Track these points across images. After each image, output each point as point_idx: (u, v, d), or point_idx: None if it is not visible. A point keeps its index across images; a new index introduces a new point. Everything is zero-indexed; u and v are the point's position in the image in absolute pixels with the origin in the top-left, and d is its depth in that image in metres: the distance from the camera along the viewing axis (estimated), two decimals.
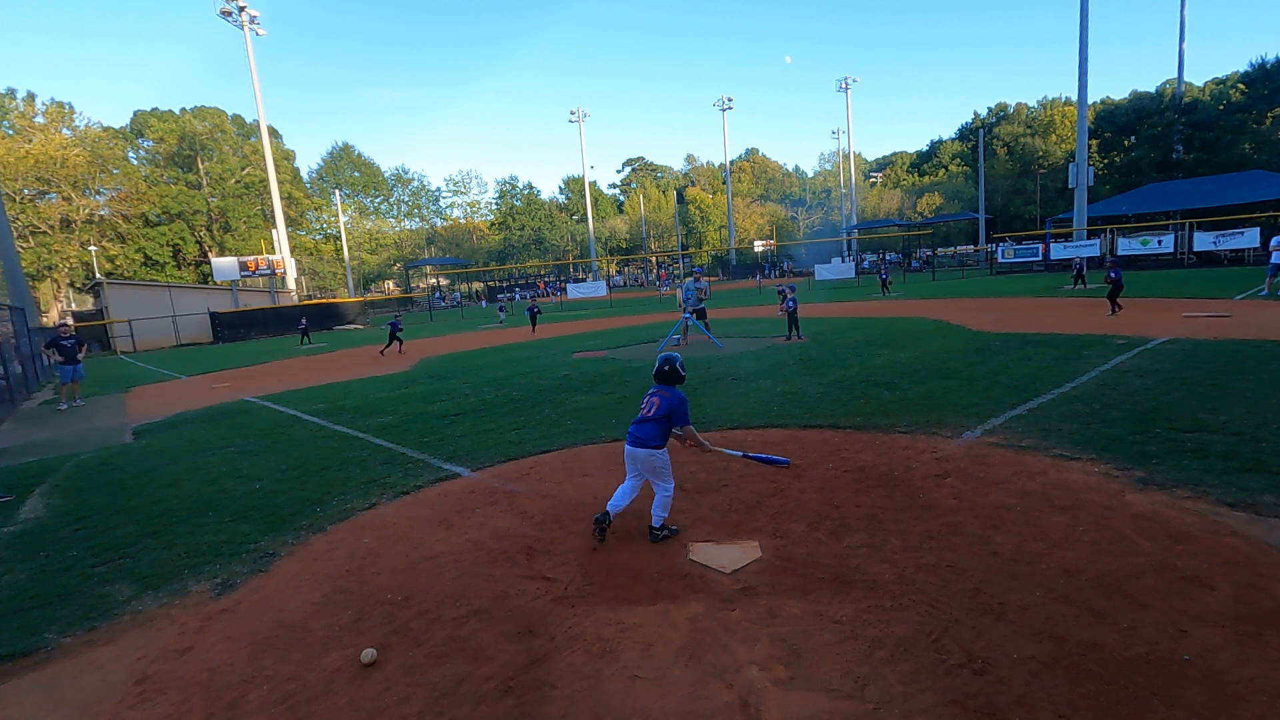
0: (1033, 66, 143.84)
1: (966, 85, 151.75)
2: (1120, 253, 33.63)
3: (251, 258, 45.16)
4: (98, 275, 50.78)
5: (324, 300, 53.46)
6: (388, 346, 19.44)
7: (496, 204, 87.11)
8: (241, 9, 44.45)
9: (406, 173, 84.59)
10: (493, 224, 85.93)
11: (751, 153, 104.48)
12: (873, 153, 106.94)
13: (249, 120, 66.85)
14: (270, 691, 2.97)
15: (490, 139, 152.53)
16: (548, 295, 62.92)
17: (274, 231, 48.93)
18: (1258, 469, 4.63)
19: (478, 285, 75.50)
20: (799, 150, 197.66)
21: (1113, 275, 14.26)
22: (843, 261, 46.95)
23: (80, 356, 14.16)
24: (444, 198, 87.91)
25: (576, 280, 67.67)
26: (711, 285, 23.03)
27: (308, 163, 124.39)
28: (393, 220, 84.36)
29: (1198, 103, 55.77)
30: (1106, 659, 2.71)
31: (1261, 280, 18.45)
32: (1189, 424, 5.80)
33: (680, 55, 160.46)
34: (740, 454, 4.80)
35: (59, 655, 3.47)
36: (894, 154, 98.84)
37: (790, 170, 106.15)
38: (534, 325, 24.26)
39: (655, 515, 4.28)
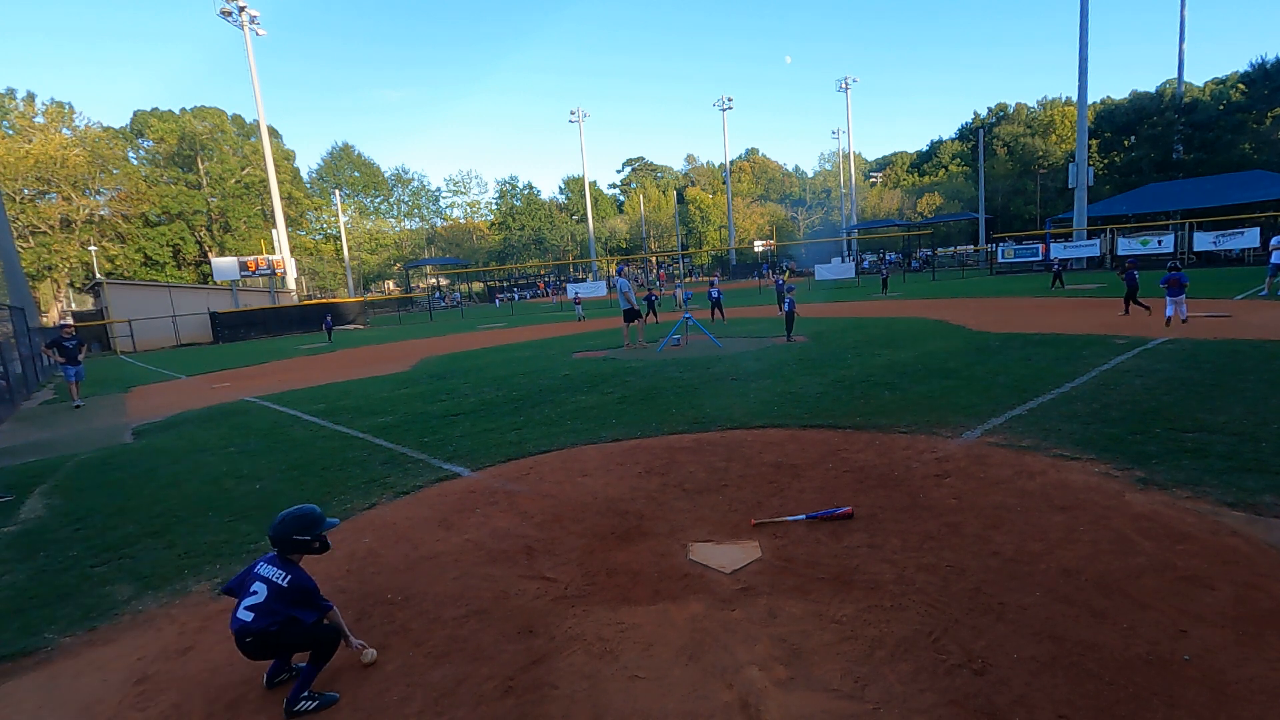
0: (1033, 66, 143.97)
1: (966, 85, 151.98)
2: (1120, 253, 33.70)
3: (251, 258, 45.14)
4: (98, 275, 50.78)
5: (325, 300, 53.45)
6: (650, 315, 21.91)
7: (496, 204, 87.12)
8: (241, 9, 44.44)
9: (406, 173, 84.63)
10: (493, 224, 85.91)
11: (751, 153, 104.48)
12: (873, 153, 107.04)
13: (249, 120, 66.89)
14: (270, 691, 2.97)
15: (490, 139, 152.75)
16: (548, 295, 62.94)
17: (274, 231, 48.92)
18: (1258, 469, 4.63)
19: (478, 285, 75.51)
20: (799, 150, 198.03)
21: (1126, 278, 13.93)
22: (843, 261, 46.93)
23: (81, 357, 14.17)
24: (444, 198, 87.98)
25: (577, 280, 67.66)
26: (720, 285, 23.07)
27: (308, 163, 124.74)
28: (393, 220, 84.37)
29: (1198, 103, 55.77)
30: (1106, 659, 2.71)
31: (1261, 280, 18.46)
32: (1189, 424, 5.80)
33: (680, 55, 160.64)
34: (804, 516, 4.41)
35: (59, 655, 3.47)
36: (894, 154, 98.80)
37: (790, 170, 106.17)
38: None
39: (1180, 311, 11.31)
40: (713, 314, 20.62)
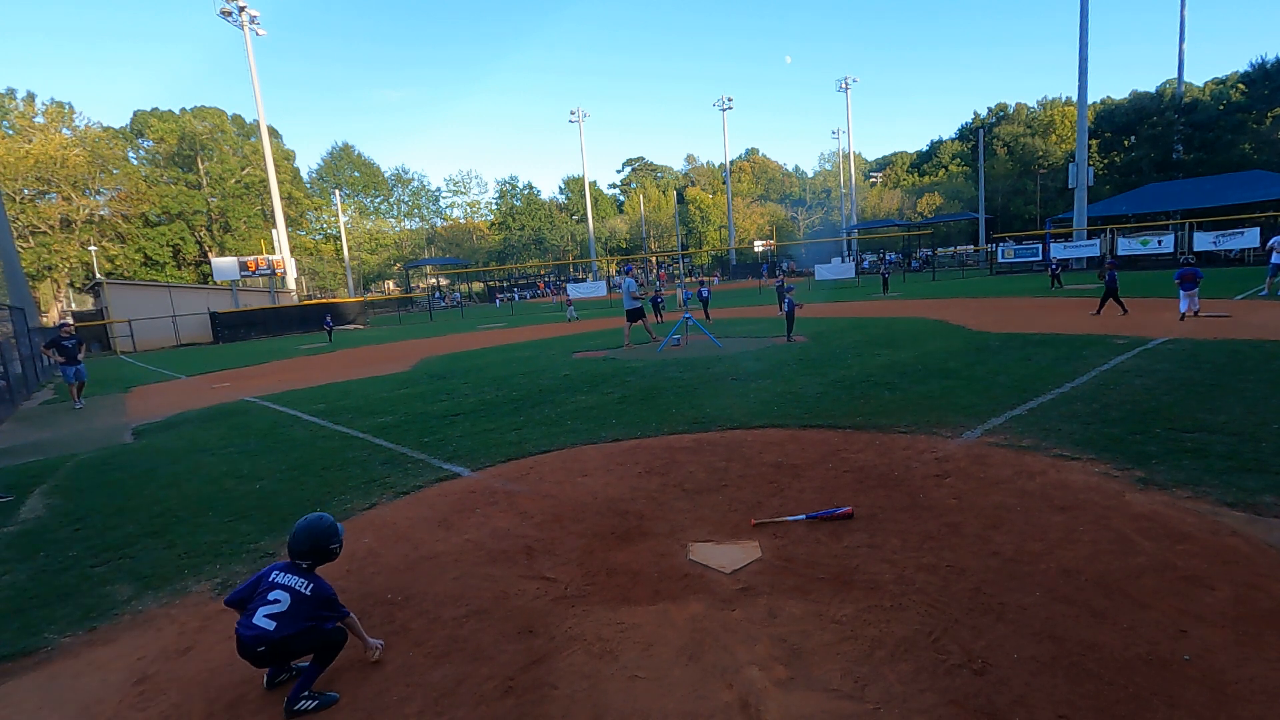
0: (1033, 66, 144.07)
1: (966, 85, 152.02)
2: (1120, 253, 33.69)
3: (251, 258, 45.13)
4: (98, 275, 50.78)
5: (325, 300, 53.46)
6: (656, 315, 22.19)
7: (496, 204, 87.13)
8: (241, 9, 44.45)
9: (406, 173, 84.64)
10: (493, 224, 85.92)
11: (751, 153, 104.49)
12: (873, 153, 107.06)
13: (249, 120, 66.89)
14: (270, 692, 2.97)
15: (490, 139, 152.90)
16: (548, 295, 62.96)
17: (274, 231, 48.93)
18: (1258, 469, 4.63)
19: (478, 285, 75.51)
20: (799, 150, 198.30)
21: (1107, 278, 14.35)
22: (843, 261, 46.94)
23: (81, 357, 14.08)
24: (444, 198, 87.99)
25: (576, 280, 67.66)
26: (713, 287, 23.50)
27: (308, 163, 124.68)
28: (393, 220, 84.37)
29: (1198, 103, 55.79)
30: (1106, 659, 2.71)
31: (1261, 280, 18.46)
32: (1189, 424, 5.80)
33: (680, 55, 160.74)
34: (804, 516, 4.40)
35: (59, 655, 3.47)
36: (894, 154, 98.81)
37: (790, 170, 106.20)
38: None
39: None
40: (706, 313, 21.07)
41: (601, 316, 29.09)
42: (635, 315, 14.91)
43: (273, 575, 2.97)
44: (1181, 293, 12.45)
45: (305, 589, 2.91)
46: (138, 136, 63.82)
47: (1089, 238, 37.27)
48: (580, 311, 31.18)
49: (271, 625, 2.82)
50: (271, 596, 2.88)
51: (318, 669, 2.91)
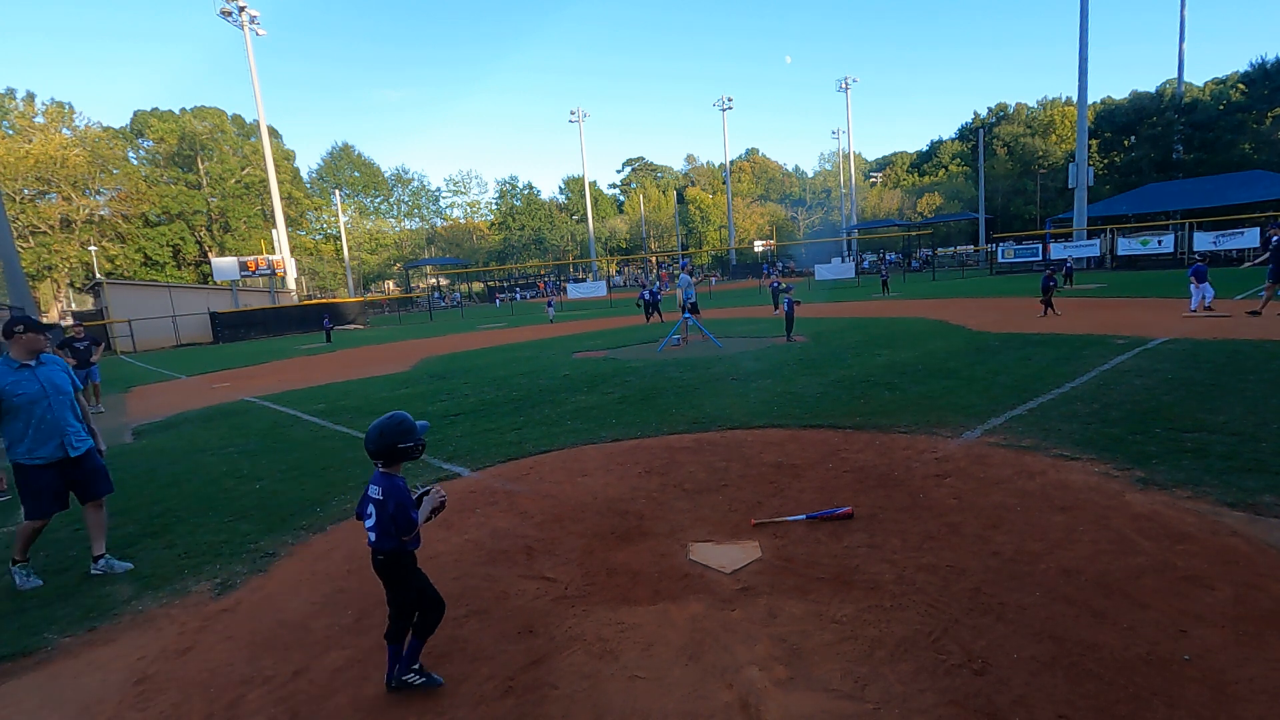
0: (1033, 66, 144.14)
1: (966, 85, 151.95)
2: (1120, 253, 33.67)
3: (251, 258, 45.14)
4: (98, 275, 50.77)
5: (324, 300, 53.44)
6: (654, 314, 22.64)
7: (496, 204, 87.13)
8: (241, 9, 44.45)
9: (406, 173, 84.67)
10: (493, 224, 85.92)
11: (751, 153, 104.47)
12: (873, 153, 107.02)
13: (249, 120, 66.89)
14: (270, 692, 2.97)
15: (490, 139, 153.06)
16: (546, 295, 62.98)
17: (274, 231, 48.93)
18: (1258, 469, 4.63)
19: (478, 285, 75.51)
20: (799, 150, 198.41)
21: (1042, 281, 15.34)
22: (843, 261, 46.97)
23: (94, 359, 13.74)
24: (444, 198, 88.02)
25: (576, 280, 67.68)
26: (710, 286, 23.69)
27: (308, 163, 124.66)
28: (393, 220, 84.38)
29: (1198, 103, 55.77)
30: (1106, 659, 2.71)
31: (1261, 280, 18.43)
32: (1189, 424, 5.80)
33: (680, 55, 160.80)
34: (804, 516, 4.41)
35: (59, 655, 3.47)
36: (894, 154, 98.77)
37: (790, 170, 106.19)
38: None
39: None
40: (648, 316, 21.83)
41: (601, 316, 29.09)
42: (694, 309, 15.51)
43: (368, 488, 2.89)
44: (1200, 285, 13.69)
45: (379, 494, 2.82)
46: (138, 136, 63.81)
47: (1089, 238, 37.27)
48: (584, 311, 31.13)
49: (374, 537, 2.83)
50: (367, 510, 2.84)
51: (419, 638, 2.92)
